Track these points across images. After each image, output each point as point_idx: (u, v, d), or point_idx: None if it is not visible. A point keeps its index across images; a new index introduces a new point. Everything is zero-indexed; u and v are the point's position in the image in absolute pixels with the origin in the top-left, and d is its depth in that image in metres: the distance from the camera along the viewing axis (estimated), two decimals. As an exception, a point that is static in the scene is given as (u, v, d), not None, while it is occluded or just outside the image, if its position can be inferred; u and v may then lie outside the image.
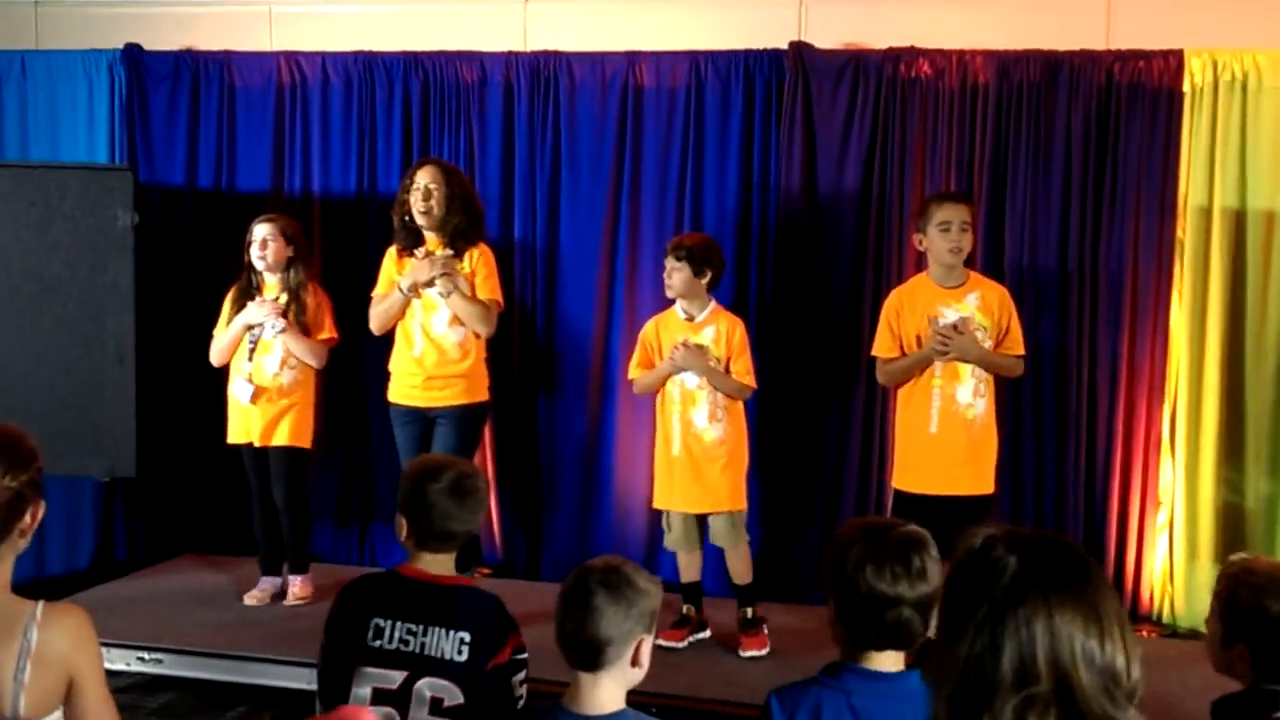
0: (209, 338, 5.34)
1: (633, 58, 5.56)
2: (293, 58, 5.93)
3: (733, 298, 5.25)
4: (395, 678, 2.83)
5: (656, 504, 5.00)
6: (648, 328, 5.00)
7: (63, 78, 6.16)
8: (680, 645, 4.80)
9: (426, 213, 4.95)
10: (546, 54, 5.66)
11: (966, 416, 4.60)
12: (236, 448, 5.32)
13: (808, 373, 5.40)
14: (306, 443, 5.31)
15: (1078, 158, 5.18)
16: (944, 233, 4.57)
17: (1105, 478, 5.22)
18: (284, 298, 5.22)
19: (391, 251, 5.13)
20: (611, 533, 5.69)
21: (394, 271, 5.07)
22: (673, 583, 5.49)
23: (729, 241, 5.38)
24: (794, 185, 5.38)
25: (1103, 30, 5.20)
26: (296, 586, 5.29)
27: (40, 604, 2.23)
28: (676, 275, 4.80)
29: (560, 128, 5.67)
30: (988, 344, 4.60)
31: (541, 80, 5.66)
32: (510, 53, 5.70)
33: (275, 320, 5.16)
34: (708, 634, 4.93)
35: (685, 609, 4.92)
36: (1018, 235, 5.22)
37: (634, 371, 5.00)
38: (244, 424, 5.26)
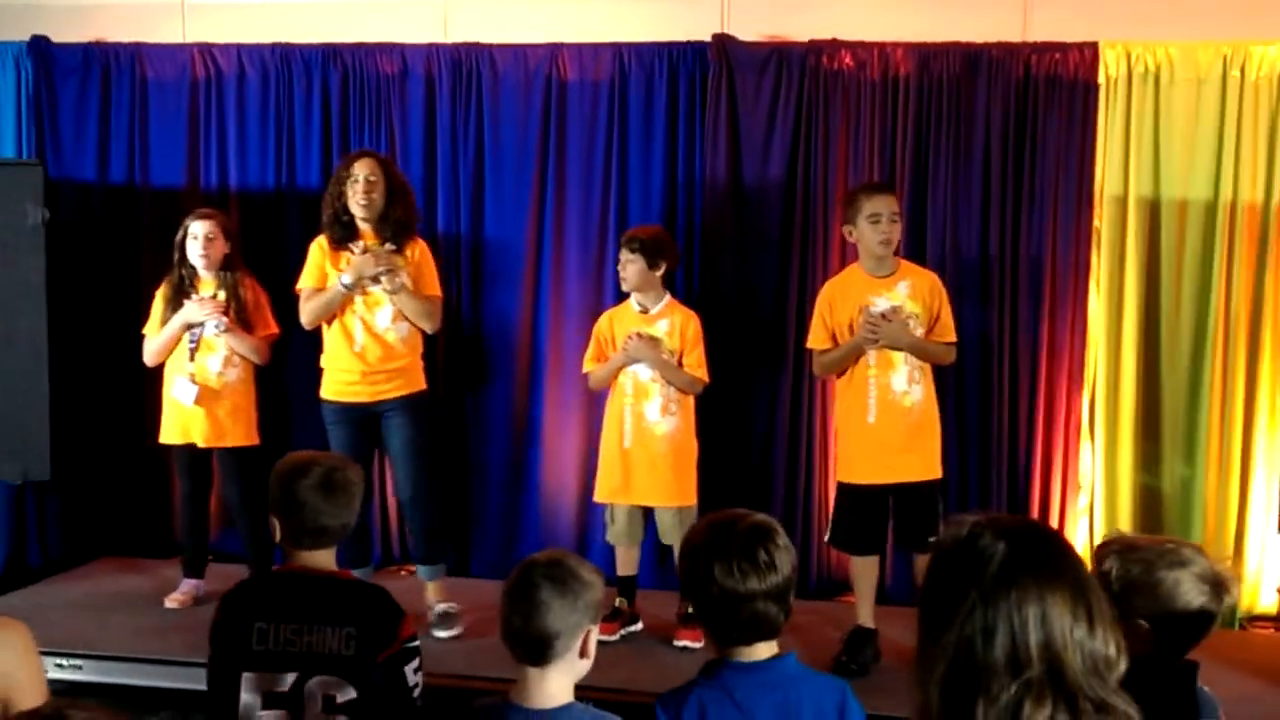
0: (129, 336, 5.22)
1: (555, 50, 5.53)
2: (207, 50, 5.81)
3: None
4: (286, 679, 2.79)
5: (599, 498, 4.99)
6: (602, 320, 4.99)
7: (-34, 71, 6.00)
8: (612, 638, 4.77)
9: (368, 205, 4.82)
10: (468, 46, 5.61)
11: (904, 404, 4.61)
12: (168, 447, 5.19)
13: (733, 364, 5.40)
14: (255, 440, 5.23)
15: (997, 148, 5.25)
16: (874, 224, 4.58)
17: (1027, 462, 5.30)
18: (222, 295, 5.11)
19: (322, 243, 4.96)
20: (540, 528, 5.66)
21: (324, 264, 4.93)
22: (606, 578, 5.51)
23: (655, 234, 5.38)
24: (719, 177, 5.40)
25: (1020, 23, 5.28)
26: None
27: None
28: (630, 268, 4.79)
29: (483, 120, 5.62)
30: (919, 331, 4.63)
31: (463, 72, 5.61)
32: (431, 44, 5.64)
33: (218, 319, 5.05)
34: (639, 627, 4.93)
35: (618, 602, 4.92)
36: (939, 225, 5.28)
37: (588, 365, 4.98)
38: (182, 424, 5.14)
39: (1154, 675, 2.40)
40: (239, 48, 5.78)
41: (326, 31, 5.73)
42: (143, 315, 5.26)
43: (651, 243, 4.82)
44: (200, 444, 5.13)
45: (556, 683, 2.43)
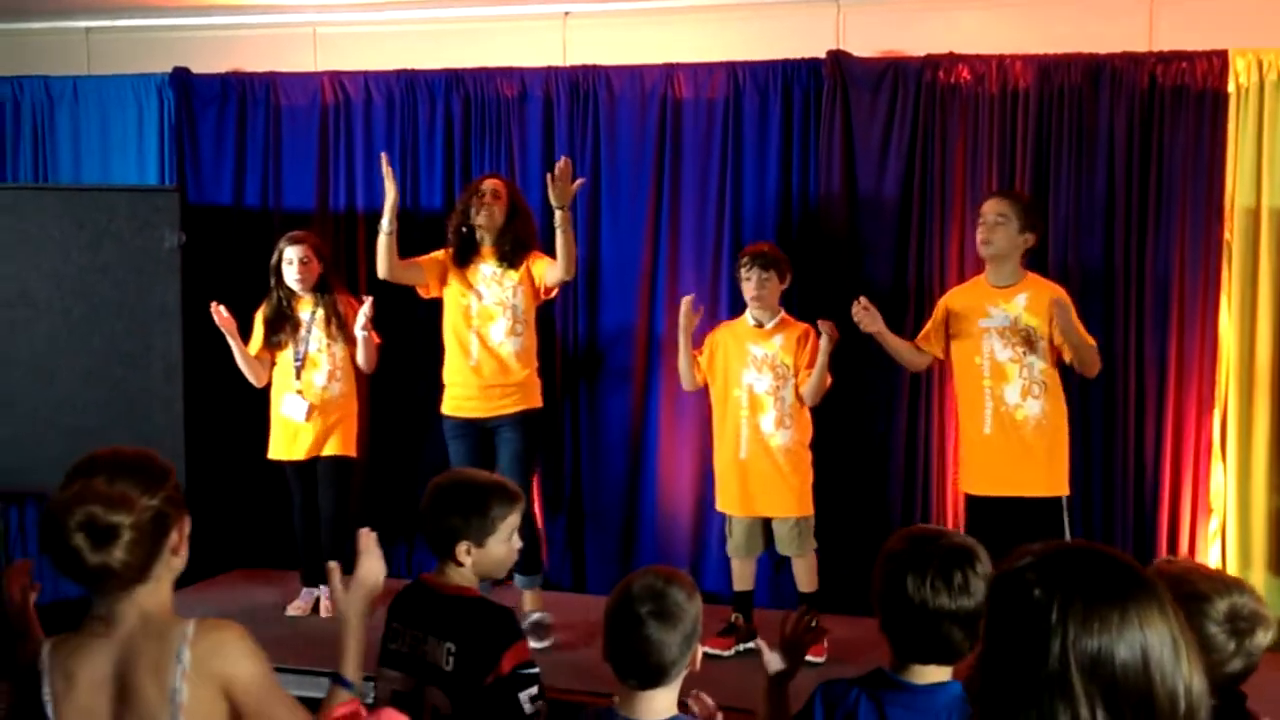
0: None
1: (670, 70, 5.58)
2: (336, 77, 6.01)
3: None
4: (408, 682, 2.88)
5: (720, 506, 5.01)
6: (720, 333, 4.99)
7: (113, 101, 6.29)
8: (727, 654, 4.76)
9: (489, 216, 4.94)
10: (585, 68, 5.69)
11: (1016, 417, 4.57)
12: (279, 463, 5.37)
13: (850, 382, 5.34)
14: (354, 452, 5.39)
15: (1121, 161, 5.12)
16: (979, 227, 4.62)
17: (1155, 484, 5.14)
18: (321, 312, 5.27)
19: (443, 254, 5.11)
20: (657, 543, 5.68)
21: (443, 259, 5.06)
22: (715, 593, 5.51)
23: (769, 250, 5.37)
24: (833, 193, 5.37)
25: (1145, 32, 5.14)
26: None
27: (193, 622, 2.21)
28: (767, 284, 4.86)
29: (600, 141, 5.70)
30: (1041, 344, 4.55)
31: (581, 94, 5.69)
32: (549, 68, 5.74)
33: (366, 331, 5.18)
34: (755, 644, 4.89)
35: (734, 617, 4.91)
36: (1061, 240, 5.16)
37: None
38: (290, 440, 5.32)
39: None
40: (366, 75, 5.96)
41: (449, 57, 5.87)
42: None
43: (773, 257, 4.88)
44: (304, 457, 5.30)
45: (664, 699, 2.45)
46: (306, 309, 5.31)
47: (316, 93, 6.02)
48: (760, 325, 4.90)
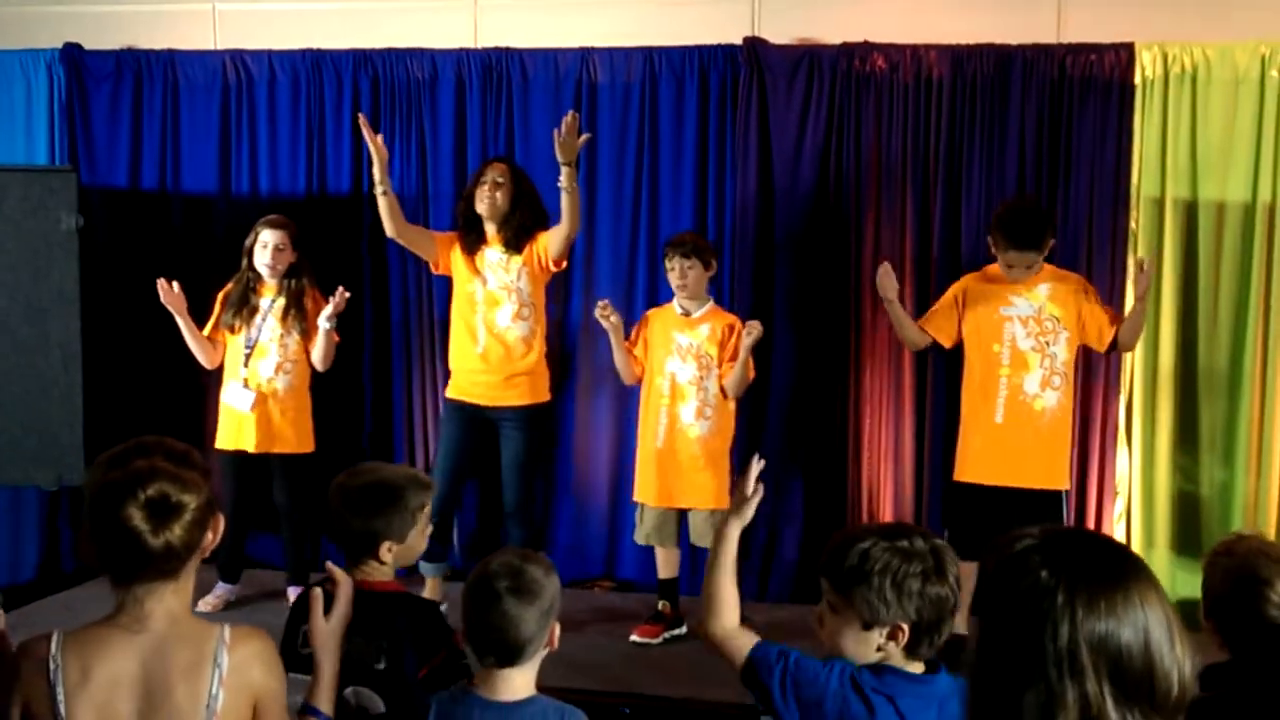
0: (162, 341, 5.21)
1: (586, 54, 5.52)
2: (238, 56, 5.82)
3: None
4: None
5: (636, 497, 4.98)
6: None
7: (-1, 78, 6.03)
8: (655, 641, 4.76)
9: (490, 203, 4.86)
10: (498, 51, 5.60)
11: (1035, 407, 4.60)
12: (225, 454, 5.18)
13: (763, 368, 5.37)
14: (310, 447, 5.23)
15: (1031, 150, 5.21)
16: (1010, 267, 4.59)
17: (1063, 467, 5.25)
18: (281, 302, 5.13)
19: (453, 235, 5.04)
20: (572, 531, 5.65)
21: (450, 242, 5.00)
22: (631, 580, 5.51)
23: (686, 237, 5.36)
24: (749, 180, 5.37)
25: (1054, 24, 5.23)
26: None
27: (226, 627, 2.19)
28: (691, 273, 4.83)
29: (514, 125, 5.61)
30: (1064, 334, 4.59)
31: (494, 77, 5.60)
32: (461, 50, 5.64)
33: (332, 321, 5.06)
34: (684, 630, 4.87)
35: (660, 605, 4.89)
36: (973, 228, 5.23)
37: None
38: (237, 431, 5.15)
39: (1217, 674, 2.40)
40: (270, 53, 5.79)
41: (357, 37, 5.73)
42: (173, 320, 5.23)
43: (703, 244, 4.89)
44: (251, 450, 5.13)
45: (523, 676, 2.49)
46: (268, 295, 5.15)
47: (217, 71, 5.83)
48: (687, 314, 4.89)
